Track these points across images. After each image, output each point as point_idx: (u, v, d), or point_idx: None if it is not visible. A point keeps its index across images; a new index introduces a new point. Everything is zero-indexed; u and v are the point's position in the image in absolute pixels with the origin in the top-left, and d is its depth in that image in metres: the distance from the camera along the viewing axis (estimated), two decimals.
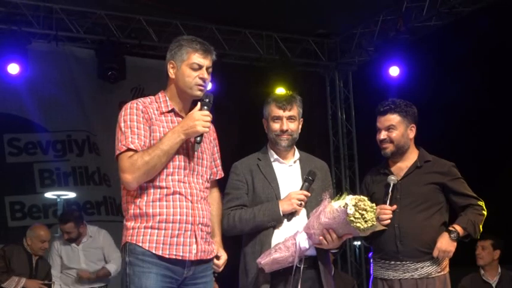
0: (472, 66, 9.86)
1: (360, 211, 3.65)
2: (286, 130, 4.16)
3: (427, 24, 9.04)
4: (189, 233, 3.42)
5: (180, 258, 3.39)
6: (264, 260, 3.90)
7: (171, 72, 3.57)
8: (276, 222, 4.02)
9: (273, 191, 4.09)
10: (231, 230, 4.08)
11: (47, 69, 8.54)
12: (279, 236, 4.00)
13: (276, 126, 4.18)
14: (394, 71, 9.15)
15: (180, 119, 3.54)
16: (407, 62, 9.09)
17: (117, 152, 3.39)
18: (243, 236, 4.15)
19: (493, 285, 6.79)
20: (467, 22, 8.77)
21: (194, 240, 3.44)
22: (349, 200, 3.70)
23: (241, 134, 8.64)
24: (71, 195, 8.71)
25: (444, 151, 4.47)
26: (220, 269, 3.71)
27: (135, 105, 3.49)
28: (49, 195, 8.62)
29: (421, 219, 4.23)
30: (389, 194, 4.27)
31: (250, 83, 9.07)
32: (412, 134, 4.40)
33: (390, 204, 4.25)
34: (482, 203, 4.33)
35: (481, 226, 4.28)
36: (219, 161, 3.79)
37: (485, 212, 4.31)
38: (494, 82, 9.97)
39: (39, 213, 8.57)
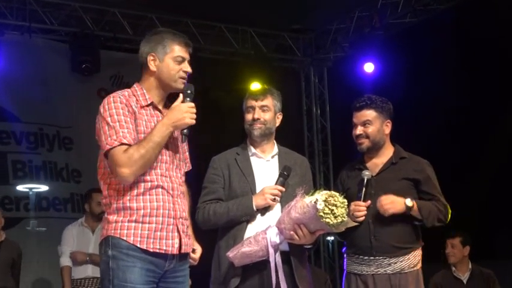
0: (446, 64, 9.93)
1: (330, 207, 3.65)
2: (258, 118, 4.17)
3: (402, 21, 9.09)
4: (171, 227, 3.42)
5: (164, 252, 3.39)
6: (232, 254, 3.91)
7: (152, 65, 3.52)
8: (250, 217, 4.03)
9: (248, 185, 4.10)
10: (206, 223, 4.10)
11: (20, 61, 8.43)
12: (252, 230, 4.00)
13: (249, 116, 4.22)
14: (368, 67, 9.20)
15: (158, 112, 3.52)
16: (382, 59, 9.14)
17: (108, 147, 3.29)
18: (218, 230, 4.16)
19: (464, 281, 6.85)
20: (442, 19, 8.84)
21: (176, 234, 3.44)
22: (320, 195, 3.70)
23: (216, 129, 8.62)
24: (43, 188, 8.63)
25: (418, 147, 4.50)
26: (196, 262, 3.72)
27: (118, 98, 3.41)
28: (21, 188, 8.53)
29: (395, 214, 4.24)
30: (364, 189, 4.29)
31: (226, 78, 9.06)
32: (387, 129, 4.43)
33: (364, 200, 4.27)
34: (448, 207, 4.34)
35: (435, 222, 4.28)
36: (187, 154, 3.77)
37: (446, 216, 4.32)
38: (469, 79, 10.04)
39: (11, 205, 8.46)
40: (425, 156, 4.47)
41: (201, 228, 4.06)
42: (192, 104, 3.45)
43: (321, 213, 3.65)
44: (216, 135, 8.36)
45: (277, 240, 3.88)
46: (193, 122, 3.44)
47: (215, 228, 4.17)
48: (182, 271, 3.53)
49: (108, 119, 3.34)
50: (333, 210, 3.65)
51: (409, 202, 4.21)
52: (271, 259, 3.88)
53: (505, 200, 10.13)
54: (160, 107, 3.56)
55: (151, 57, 3.52)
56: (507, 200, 10.01)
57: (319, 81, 10.59)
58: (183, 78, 3.53)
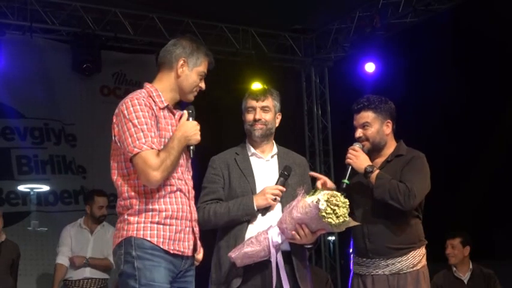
0: (447, 64, 9.94)
1: (332, 206, 3.67)
2: (259, 119, 4.19)
3: (403, 21, 9.09)
4: (188, 229, 3.52)
5: (181, 253, 3.47)
6: (235, 254, 3.91)
7: (180, 70, 3.57)
8: (250, 217, 4.03)
9: (248, 185, 4.10)
10: (206, 224, 4.08)
11: (21, 60, 8.45)
12: (253, 230, 4.01)
13: (249, 116, 4.23)
14: (369, 67, 9.20)
15: (172, 114, 3.59)
16: (383, 59, 9.14)
17: (136, 150, 3.34)
18: (218, 230, 4.16)
19: (465, 281, 6.85)
20: (443, 19, 8.84)
21: (192, 236, 3.55)
22: (322, 195, 3.72)
23: (216, 129, 8.62)
24: (45, 188, 8.65)
25: (418, 147, 4.48)
26: (199, 263, 3.76)
27: (142, 100, 3.44)
28: (22, 188, 8.55)
29: (389, 215, 4.21)
30: (350, 168, 4.27)
31: (226, 78, 9.05)
32: (388, 129, 4.39)
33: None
34: (412, 193, 4.10)
35: (387, 198, 4.11)
36: None
37: (405, 198, 4.07)
38: (470, 79, 10.05)
39: (18, 200, 8.50)
40: (426, 155, 4.44)
41: (200, 228, 4.07)
42: (198, 123, 3.57)
43: (323, 213, 3.67)
44: (216, 135, 8.36)
45: (279, 240, 3.90)
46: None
47: (214, 229, 4.18)
48: (191, 271, 3.61)
49: (135, 121, 3.38)
50: (335, 210, 3.67)
51: (369, 168, 4.20)
52: (273, 259, 3.89)
53: (504, 200, 10.14)
54: (172, 110, 3.62)
55: (183, 62, 3.58)
56: (507, 200, 10.02)
57: (320, 81, 10.58)
58: (196, 92, 3.63)
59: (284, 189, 4.07)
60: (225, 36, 9.54)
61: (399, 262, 4.22)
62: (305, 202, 3.76)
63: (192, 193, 3.62)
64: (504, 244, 11.40)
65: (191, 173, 3.66)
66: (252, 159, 4.22)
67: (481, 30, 9.24)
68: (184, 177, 3.56)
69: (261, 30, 9.78)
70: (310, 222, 3.80)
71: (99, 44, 8.77)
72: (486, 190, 10.27)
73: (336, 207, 3.67)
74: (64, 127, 8.86)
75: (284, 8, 8.90)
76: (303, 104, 10.57)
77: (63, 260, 6.92)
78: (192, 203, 3.59)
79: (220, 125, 8.73)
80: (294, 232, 3.84)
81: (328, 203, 3.67)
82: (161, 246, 3.39)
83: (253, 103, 4.23)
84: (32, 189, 8.58)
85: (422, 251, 4.31)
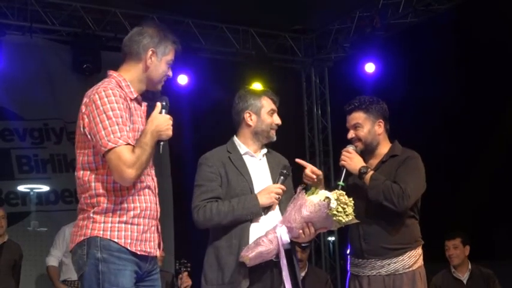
0: (447, 64, 9.94)
1: (342, 205, 3.71)
2: (279, 124, 4.23)
3: (403, 21, 9.09)
4: (153, 228, 3.40)
5: (147, 254, 3.36)
6: (251, 254, 3.87)
7: (150, 60, 3.45)
8: (254, 216, 4.01)
9: (247, 184, 4.09)
10: (207, 223, 4.04)
11: (21, 61, 8.47)
12: (255, 229, 3.99)
13: (273, 119, 4.22)
14: (369, 67, 9.20)
15: (139, 106, 3.47)
16: (383, 59, 9.14)
17: (111, 145, 3.17)
18: (212, 230, 4.10)
19: (464, 281, 6.85)
20: (443, 19, 8.85)
21: (157, 235, 3.44)
22: (331, 194, 3.76)
23: (217, 129, 8.62)
24: (45, 188, 8.66)
25: (418, 147, 4.49)
26: (161, 263, 3.70)
27: (117, 91, 3.30)
28: (21, 188, 8.57)
29: (384, 216, 4.20)
30: (345, 170, 4.29)
31: (226, 78, 9.05)
32: (380, 129, 4.38)
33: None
34: (406, 194, 4.10)
35: (381, 199, 4.12)
36: None
37: (399, 199, 4.08)
38: (470, 80, 10.05)
39: (17, 200, 8.55)
40: (426, 156, 4.44)
41: (198, 227, 4.04)
42: (171, 117, 3.42)
43: (334, 212, 3.72)
44: (216, 135, 8.35)
45: (288, 239, 3.91)
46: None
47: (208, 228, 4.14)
48: (156, 270, 3.51)
49: (110, 113, 3.22)
50: (344, 208, 3.71)
51: (363, 169, 4.22)
52: (282, 258, 3.90)
53: (504, 200, 10.15)
54: (140, 100, 3.51)
55: (152, 52, 3.47)
56: (507, 200, 10.03)
57: (320, 82, 10.59)
58: (164, 81, 3.53)
59: (285, 188, 4.08)
60: (225, 36, 9.54)
61: (395, 263, 4.22)
62: (312, 201, 3.79)
63: (158, 190, 3.48)
64: (504, 244, 11.41)
65: (154, 169, 3.51)
66: (245, 157, 4.19)
67: (481, 30, 9.24)
68: (151, 172, 3.44)
69: (261, 30, 9.78)
70: (317, 220, 3.82)
71: (99, 44, 8.77)
72: (486, 190, 10.27)
73: (345, 206, 3.72)
74: (66, 125, 8.88)
75: (284, 8, 8.90)
76: (303, 104, 10.57)
77: (55, 262, 6.96)
78: (158, 200, 3.45)
79: (220, 125, 8.72)
80: (301, 231, 3.85)
81: (338, 202, 3.69)
82: (128, 248, 3.25)
83: (273, 106, 4.24)
84: (31, 189, 8.61)
85: (418, 251, 4.31)
